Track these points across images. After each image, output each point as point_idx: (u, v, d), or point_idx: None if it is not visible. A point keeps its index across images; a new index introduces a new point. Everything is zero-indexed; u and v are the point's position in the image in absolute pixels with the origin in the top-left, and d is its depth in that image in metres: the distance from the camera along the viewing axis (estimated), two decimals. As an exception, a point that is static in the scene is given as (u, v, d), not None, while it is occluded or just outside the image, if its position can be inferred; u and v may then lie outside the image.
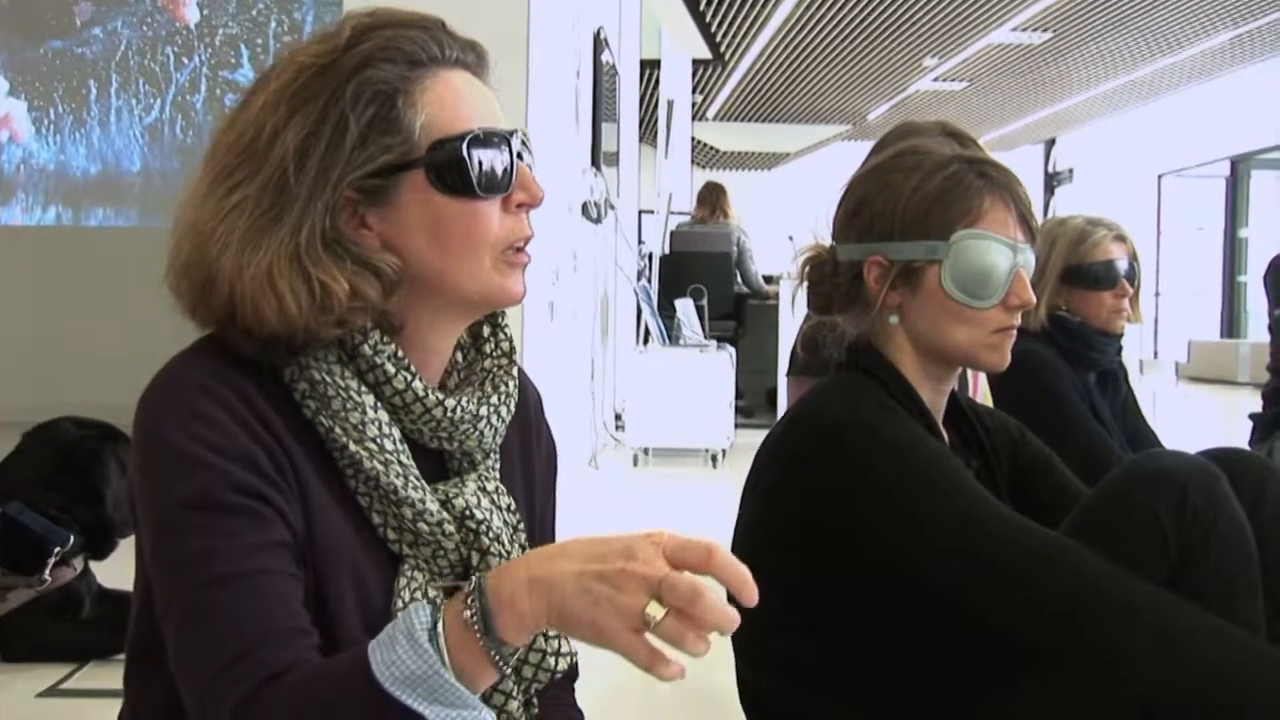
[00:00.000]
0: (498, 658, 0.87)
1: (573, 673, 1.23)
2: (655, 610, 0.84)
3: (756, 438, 1.71)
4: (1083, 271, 2.58)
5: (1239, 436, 4.43)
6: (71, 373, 6.42)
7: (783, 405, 7.08)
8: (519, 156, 1.08)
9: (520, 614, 0.87)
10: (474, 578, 0.90)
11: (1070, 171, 20.28)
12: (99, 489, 2.78)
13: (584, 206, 5.85)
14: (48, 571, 2.69)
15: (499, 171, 1.06)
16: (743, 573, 0.87)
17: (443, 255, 1.06)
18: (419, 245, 1.05)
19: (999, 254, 1.53)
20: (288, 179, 1.00)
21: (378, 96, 1.03)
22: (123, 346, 4.39)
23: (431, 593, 1.05)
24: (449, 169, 1.04)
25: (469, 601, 0.88)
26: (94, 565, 2.87)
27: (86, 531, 2.77)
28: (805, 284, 1.66)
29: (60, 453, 2.81)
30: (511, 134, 1.08)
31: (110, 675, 2.64)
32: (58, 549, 2.70)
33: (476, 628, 0.87)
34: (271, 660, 0.91)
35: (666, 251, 8.66)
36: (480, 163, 1.05)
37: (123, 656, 1.12)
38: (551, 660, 1.13)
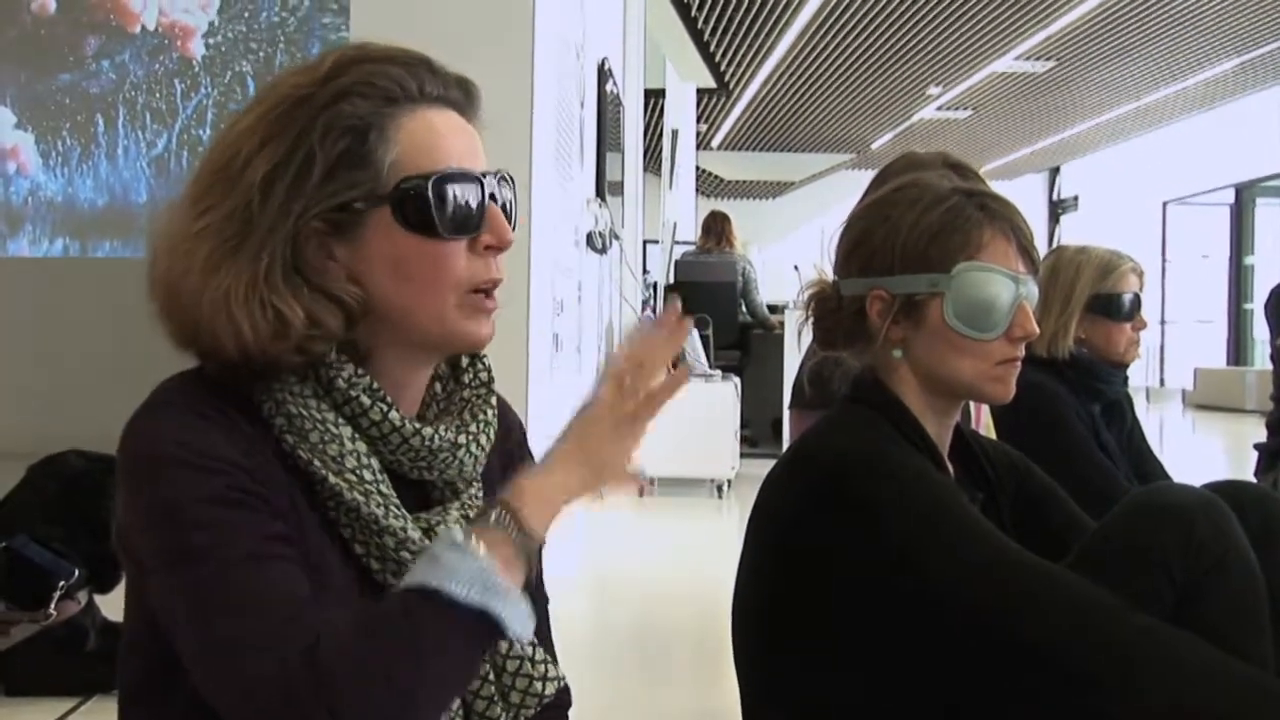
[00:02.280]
0: (534, 557, 0.99)
1: (565, 699, 1.22)
2: (629, 404, 1.04)
3: (762, 468, 1.71)
4: (1109, 302, 2.57)
5: (1246, 465, 4.42)
6: (78, 404, 6.43)
7: (787, 435, 7.07)
8: (492, 198, 1.08)
9: (548, 497, 1.00)
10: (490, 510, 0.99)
11: (1075, 199, 20.31)
12: (104, 522, 2.78)
13: (589, 237, 5.86)
14: (52, 605, 2.69)
15: (467, 213, 1.06)
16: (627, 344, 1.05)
17: (405, 293, 1.06)
18: (382, 281, 1.06)
19: (1000, 285, 1.53)
20: (252, 209, 1.02)
21: (349, 131, 1.03)
22: (129, 378, 4.39)
23: None
24: (414, 208, 1.04)
25: (495, 514, 0.98)
26: (98, 599, 2.86)
27: (91, 565, 2.77)
28: (810, 319, 1.66)
29: (66, 486, 2.81)
30: (484, 175, 1.08)
31: (115, 709, 2.63)
32: (62, 583, 2.70)
33: (513, 532, 0.97)
34: (314, 625, 0.93)
35: (671, 281, 8.67)
36: (446, 203, 1.05)
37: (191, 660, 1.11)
38: (539, 685, 1.13)
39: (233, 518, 0.96)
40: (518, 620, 0.95)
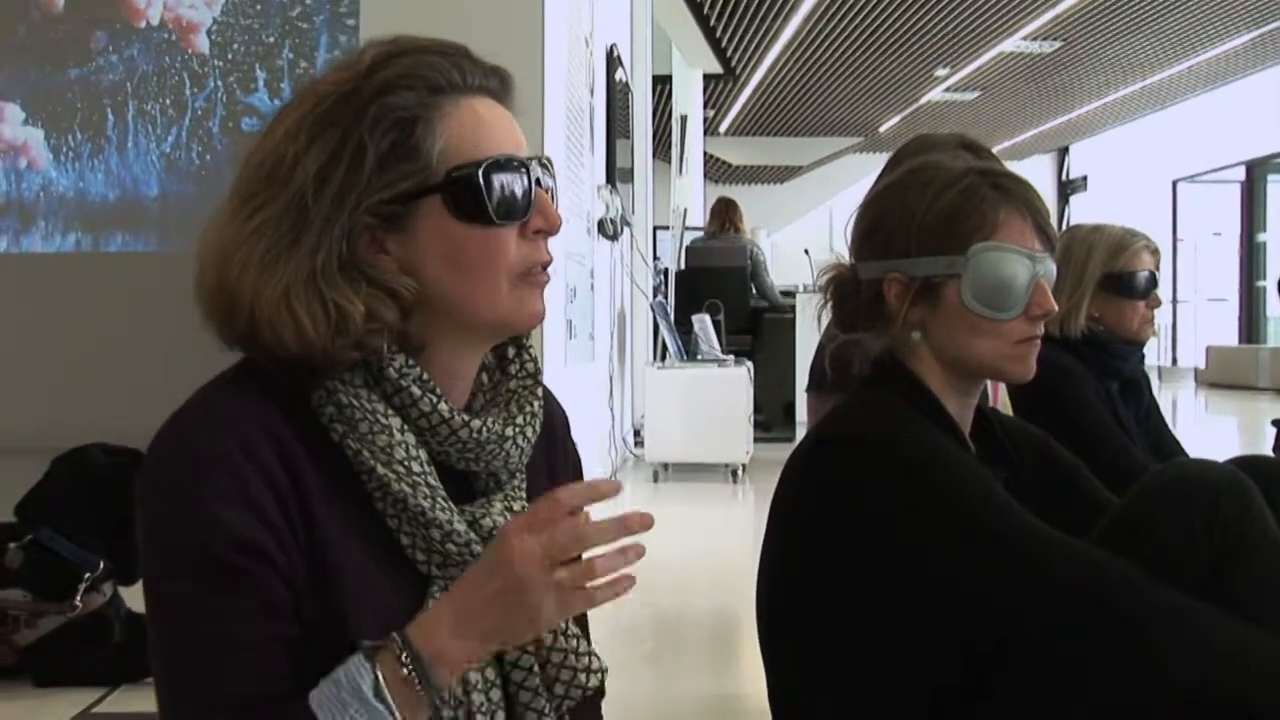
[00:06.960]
0: (437, 700, 0.97)
1: (600, 691, 1.23)
2: (561, 573, 0.96)
3: (775, 451, 1.72)
4: (1122, 281, 2.58)
5: (1259, 441, 4.42)
6: (96, 398, 6.46)
7: (801, 418, 7.07)
8: (538, 183, 1.09)
9: (453, 661, 0.97)
10: (396, 636, 0.97)
11: (1084, 179, 20.26)
12: (128, 515, 2.79)
13: (600, 224, 5.88)
14: (78, 597, 2.71)
15: (516, 198, 1.07)
16: (589, 485, 1.01)
17: (459, 281, 1.07)
18: (436, 271, 1.06)
19: (1018, 265, 1.53)
20: (306, 204, 1.02)
21: (397, 124, 1.04)
22: (145, 371, 4.42)
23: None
24: (465, 196, 1.05)
25: (403, 659, 0.96)
26: (123, 591, 2.88)
27: (115, 557, 2.79)
28: (828, 302, 1.67)
29: (90, 479, 2.83)
30: (530, 160, 1.09)
31: (141, 699, 2.65)
32: (88, 575, 2.72)
33: (417, 683, 0.96)
34: None
35: (682, 267, 8.68)
36: (497, 190, 1.06)
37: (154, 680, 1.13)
38: (583, 677, 1.13)
39: (220, 583, 0.98)
40: None
